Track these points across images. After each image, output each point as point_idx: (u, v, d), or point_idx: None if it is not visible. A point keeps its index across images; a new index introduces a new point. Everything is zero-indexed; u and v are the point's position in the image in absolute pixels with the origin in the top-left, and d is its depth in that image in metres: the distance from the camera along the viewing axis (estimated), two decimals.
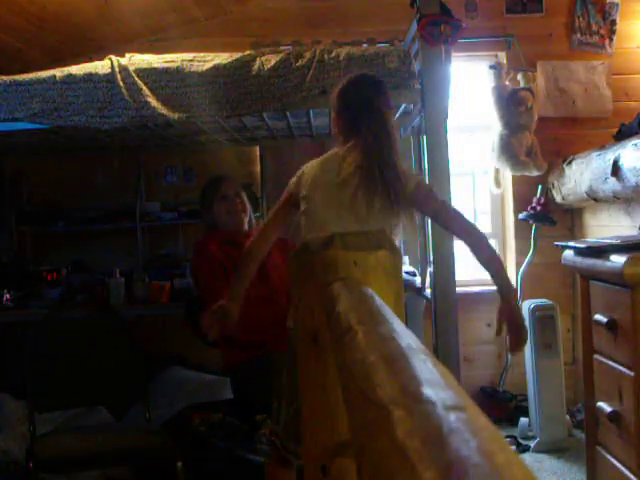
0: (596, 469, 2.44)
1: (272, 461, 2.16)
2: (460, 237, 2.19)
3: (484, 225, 4.33)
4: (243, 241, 2.81)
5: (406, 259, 3.81)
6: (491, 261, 2.11)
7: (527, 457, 3.46)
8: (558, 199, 3.85)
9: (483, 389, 4.00)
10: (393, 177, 2.09)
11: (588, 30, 4.07)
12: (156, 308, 3.69)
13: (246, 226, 3.01)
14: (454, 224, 2.16)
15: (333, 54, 2.77)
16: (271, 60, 2.80)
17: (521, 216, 3.97)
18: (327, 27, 3.91)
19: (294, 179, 2.23)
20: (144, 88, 2.78)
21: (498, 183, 4.08)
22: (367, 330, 0.56)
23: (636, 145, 2.77)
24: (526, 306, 3.72)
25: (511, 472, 0.29)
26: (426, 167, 2.74)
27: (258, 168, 4.05)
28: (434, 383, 0.38)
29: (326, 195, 2.12)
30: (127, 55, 2.92)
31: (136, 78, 2.78)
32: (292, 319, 1.38)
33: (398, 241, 2.38)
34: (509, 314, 2.07)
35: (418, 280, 3.54)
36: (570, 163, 3.62)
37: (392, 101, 2.35)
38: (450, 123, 2.72)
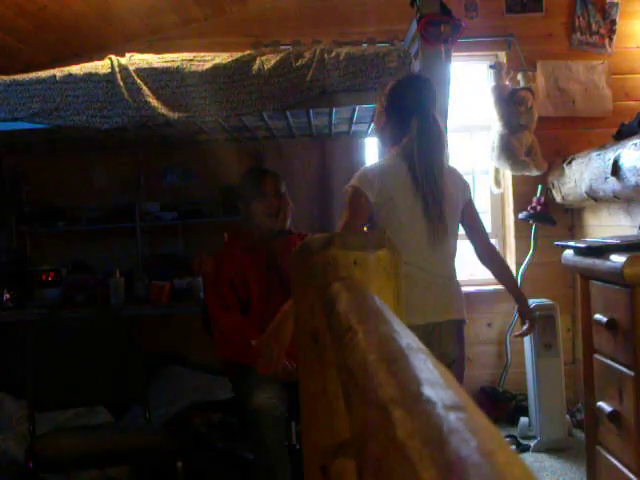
0: (596, 469, 2.44)
1: None
2: (478, 251, 2.45)
3: (484, 225, 4.33)
4: (269, 245, 2.78)
5: None
6: (505, 270, 2.50)
7: (527, 457, 3.46)
8: (558, 199, 3.85)
9: (483, 389, 4.00)
10: (441, 184, 2.20)
11: (588, 30, 4.07)
12: (156, 308, 3.69)
13: (287, 224, 2.84)
14: (479, 239, 2.44)
15: (333, 54, 2.77)
16: (271, 60, 2.80)
17: (521, 216, 3.97)
18: (327, 27, 3.91)
19: (363, 186, 2.16)
20: (144, 88, 2.78)
21: (498, 183, 4.08)
22: (367, 330, 0.56)
23: (636, 145, 2.76)
24: None
25: (511, 472, 0.29)
26: None
27: None
28: (434, 383, 0.38)
29: (403, 206, 2.18)
30: (127, 55, 2.92)
31: (136, 78, 2.78)
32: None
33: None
34: (528, 312, 2.46)
35: None
36: (570, 163, 3.62)
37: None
38: (450, 123, 2.72)
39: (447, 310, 2.25)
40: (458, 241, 2.37)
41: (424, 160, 2.17)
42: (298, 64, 2.77)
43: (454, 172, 2.40)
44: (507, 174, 4.10)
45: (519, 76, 3.98)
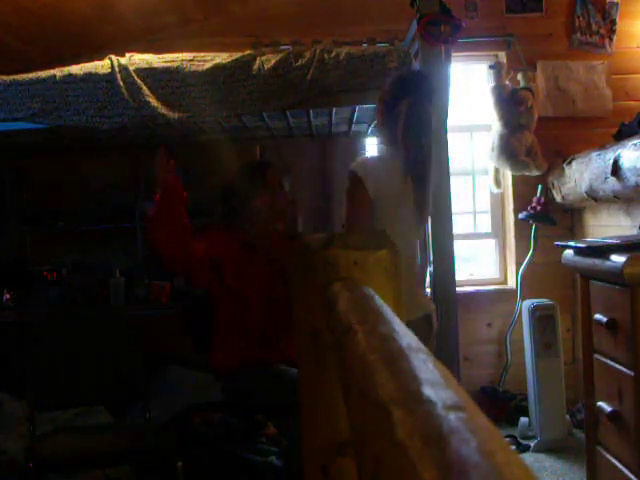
0: (596, 469, 2.44)
1: None
2: None
3: (484, 225, 4.33)
4: (270, 244, 2.72)
5: None
6: None
7: (527, 457, 3.46)
8: (558, 199, 3.85)
9: (483, 389, 4.00)
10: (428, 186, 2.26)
11: (588, 30, 4.07)
12: (156, 308, 3.69)
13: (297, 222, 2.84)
14: None
15: (333, 54, 2.78)
16: (271, 60, 2.80)
17: (521, 216, 3.97)
18: (327, 27, 3.90)
19: (361, 179, 2.18)
20: (144, 88, 2.78)
21: (498, 183, 4.08)
22: (367, 330, 0.56)
23: (636, 145, 2.76)
24: (526, 306, 3.72)
25: (511, 471, 0.29)
26: None
27: None
28: (434, 383, 0.38)
29: (389, 206, 2.21)
30: (127, 55, 2.92)
31: (136, 78, 2.78)
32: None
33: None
34: None
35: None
36: (570, 163, 3.62)
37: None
38: (450, 123, 2.72)
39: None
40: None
41: (413, 142, 2.21)
42: (298, 64, 2.77)
43: None
44: (507, 174, 4.10)
45: (519, 76, 3.98)
